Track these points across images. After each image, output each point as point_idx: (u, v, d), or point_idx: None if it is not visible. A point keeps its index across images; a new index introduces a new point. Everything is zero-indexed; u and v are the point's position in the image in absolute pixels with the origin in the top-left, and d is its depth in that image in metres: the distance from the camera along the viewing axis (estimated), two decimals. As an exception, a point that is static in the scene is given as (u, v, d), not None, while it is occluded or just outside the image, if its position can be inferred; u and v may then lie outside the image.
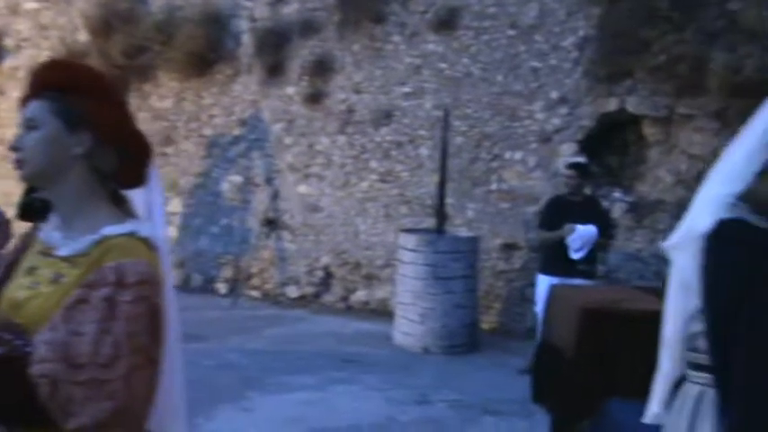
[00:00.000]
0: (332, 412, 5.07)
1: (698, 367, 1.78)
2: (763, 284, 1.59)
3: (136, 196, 1.67)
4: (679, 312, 1.81)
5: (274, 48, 8.97)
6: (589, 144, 7.39)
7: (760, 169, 1.69)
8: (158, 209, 1.67)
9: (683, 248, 1.80)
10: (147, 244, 1.54)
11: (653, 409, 1.96)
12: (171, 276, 1.61)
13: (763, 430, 1.59)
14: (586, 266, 5.82)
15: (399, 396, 5.47)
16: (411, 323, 6.85)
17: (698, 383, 1.78)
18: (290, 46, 8.96)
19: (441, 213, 7.27)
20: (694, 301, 1.73)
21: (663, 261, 6.71)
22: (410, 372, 6.13)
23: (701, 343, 1.74)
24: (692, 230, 1.76)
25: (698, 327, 1.74)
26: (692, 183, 6.81)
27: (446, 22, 8.10)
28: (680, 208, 6.92)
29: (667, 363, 1.90)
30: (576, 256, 5.73)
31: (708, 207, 1.74)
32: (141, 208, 1.66)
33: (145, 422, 1.47)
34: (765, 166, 1.69)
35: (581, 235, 5.71)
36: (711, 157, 6.72)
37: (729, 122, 6.42)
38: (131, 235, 1.52)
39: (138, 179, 1.64)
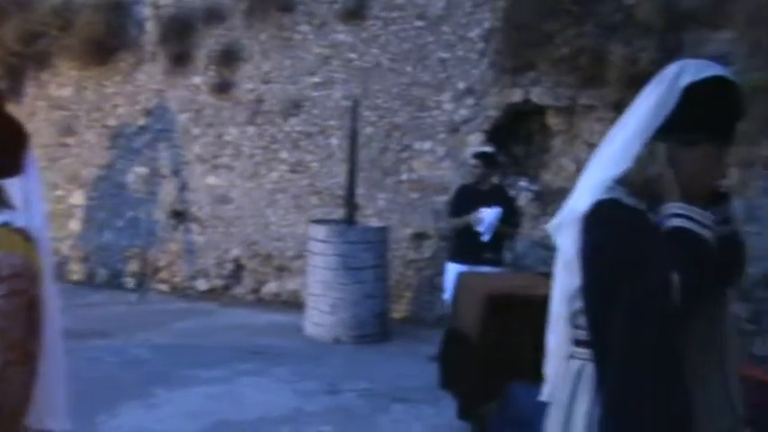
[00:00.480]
0: (239, 405, 5.01)
1: (580, 343, 1.84)
2: (636, 264, 1.66)
3: (13, 186, 1.59)
4: (563, 291, 1.86)
5: (179, 36, 8.75)
6: (496, 134, 7.52)
7: (637, 154, 1.75)
8: (36, 198, 1.60)
9: (564, 229, 1.84)
10: (23, 235, 1.47)
11: (546, 387, 2.02)
12: (50, 268, 1.55)
13: (635, 406, 1.67)
14: (494, 254, 5.94)
15: (309, 387, 5.45)
16: (322, 314, 6.83)
17: (580, 359, 1.83)
18: (195, 34, 8.76)
19: (351, 204, 7.28)
20: (576, 279, 1.78)
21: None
22: (320, 362, 6.12)
23: (582, 320, 1.80)
24: (573, 212, 1.81)
25: (579, 304, 1.79)
26: (592, 171, 7.02)
27: (354, 12, 8.09)
28: (582, 196, 7.13)
29: (554, 341, 1.96)
30: (485, 238, 5.81)
31: (588, 190, 1.79)
32: (19, 198, 1.58)
33: (21, 419, 1.41)
34: (642, 150, 1.76)
35: (485, 218, 5.80)
36: (611, 146, 6.95)
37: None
38: (5, 226, 1.45)
39: (13, 168, 1.56)
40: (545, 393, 2.02)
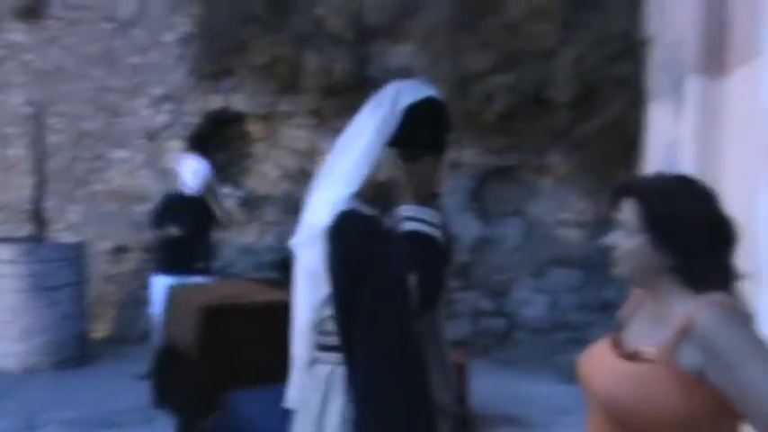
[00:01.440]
0: None
1: (328, 348, 1.92)
2: (377, 268, 1.77)
3: None
4: (310, 302, 1.95)
5: None
6: (196, 141, 7.39)
7: (368, 170, 1.90)
8: None
9: (307, 244, 1.94)
10: None
11: (291, 393, 2.05)
12: None
13: (380, 399, 1.79)
14: (204, 263, 5.85)
15: (1, 426, 4.87)
16: (11, 342, 6.15)
17: (329, 364, 1.92)
18: None
19: (39, 219, 6.67)
20: (323, 289, 1.88)
21: (274, 252, 7.03)
22: (12, 396, 5.49)
23: (331, 326, 1.89)
24: (313, 227, 1.91)
25: (327, 312, 1.89)
26: (295, 176, 7.23)
27: (33, 11, 7.41)
28: (287, 201, 7.31)
29: (301, 349, 2.01)
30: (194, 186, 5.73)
31: (326, 205, 1.90)
32: None
33: None
34: (372, 166, 1.90)
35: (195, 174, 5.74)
36: (311, 152, 7.23)
37: (325, 119, 6.95)
38: None
39: None
40: (291, 401, 2.06)
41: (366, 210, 1.90)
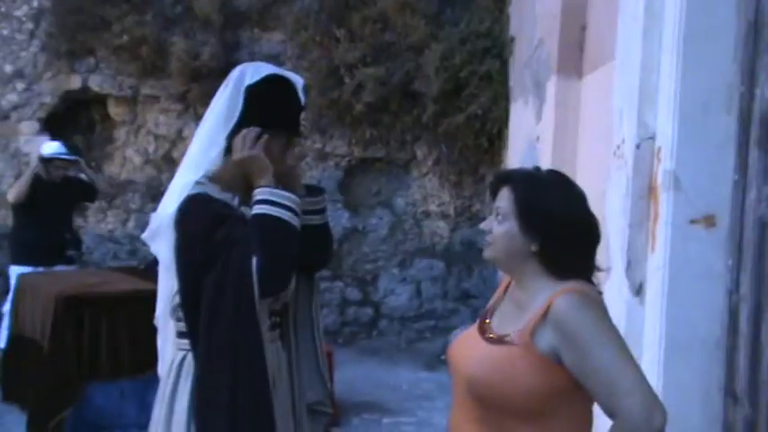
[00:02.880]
0: None
1: (181, 335, 1.91)
2: (221, 251, 1.78)
3: None
4: (165, 292, 1.94)
5: None
6: (52, 123, 7.00)
7: (219, 153, 1.90)
8: None
9: (158, 235, 1.92)
10: None
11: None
12: None
13: (214, 386, 1.79)
14: (75, 250, 5.62)
15: None
16: None
17: (182, 349, 1.91)
18: None
19: None
20: (175, 280, 1.86)
21: (136, 241, 6.77)
22: None
23: (181, 313, 1.89)
24: (163, 217, 1.89)
25: (178, 299, 1.87)
26: (159, 163, 7.00)
27: None
28: (150, 187, 7.05)
29: (162, 339, 2.01)
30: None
31: (175, 193, 1.89)
32: None
33: None
34: (223, 149, 1.90)
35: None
36: (176, 137, 7.01)
37: (191, 104, 6.76)
38: None
39: None
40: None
41: (218, 194, 1.88)
